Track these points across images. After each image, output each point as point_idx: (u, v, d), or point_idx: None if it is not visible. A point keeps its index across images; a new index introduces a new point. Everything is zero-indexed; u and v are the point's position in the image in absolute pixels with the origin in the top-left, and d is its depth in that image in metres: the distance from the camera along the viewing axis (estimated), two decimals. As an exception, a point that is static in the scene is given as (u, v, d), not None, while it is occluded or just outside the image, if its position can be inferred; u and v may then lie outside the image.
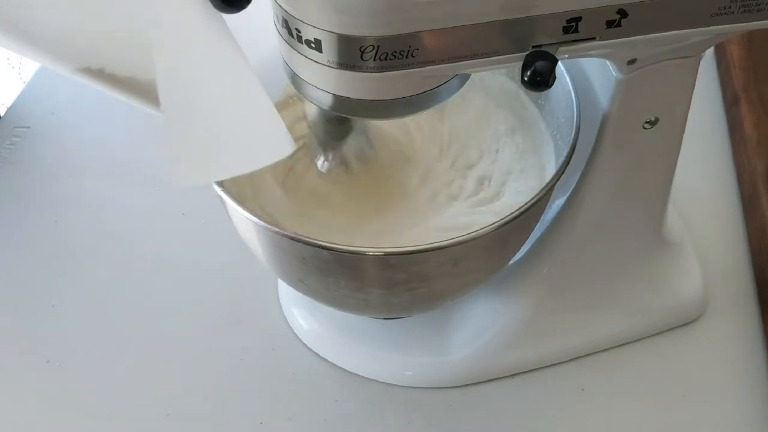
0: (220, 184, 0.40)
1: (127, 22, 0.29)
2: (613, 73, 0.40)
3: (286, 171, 0.48)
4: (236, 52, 0.32)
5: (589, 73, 0.44)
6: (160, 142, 0.29)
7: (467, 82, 0.38)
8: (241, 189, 0.46)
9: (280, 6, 0.33)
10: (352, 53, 0.32)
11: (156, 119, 0.30)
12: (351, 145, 0.46)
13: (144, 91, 0.30)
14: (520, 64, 0.34)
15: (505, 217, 0.39)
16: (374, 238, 0.45)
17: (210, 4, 0.31)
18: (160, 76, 0.29)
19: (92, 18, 0.29)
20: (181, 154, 0.30)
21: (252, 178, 0.46)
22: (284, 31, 0.34)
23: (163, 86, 0.29)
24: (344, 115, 0.38)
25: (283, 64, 0.37)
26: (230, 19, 0.32)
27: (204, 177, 0.33)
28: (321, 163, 0.47)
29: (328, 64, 0.33)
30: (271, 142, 0.32)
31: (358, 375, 0.53)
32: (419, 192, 0.48)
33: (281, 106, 0.50)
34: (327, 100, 0.36)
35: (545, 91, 0.38)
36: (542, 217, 0.46)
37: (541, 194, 0.40)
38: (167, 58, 0.30)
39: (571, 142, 0.42)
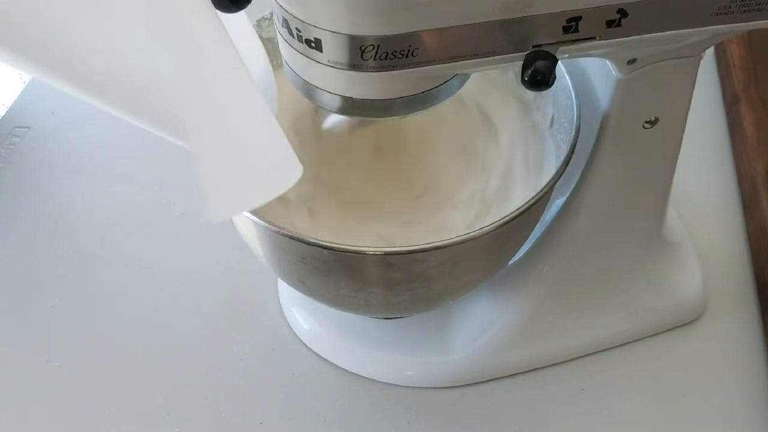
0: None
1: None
2: (613, 73, 0.40)
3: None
4: (242, 71, 0.31)
5: (589, 73, 0.44)
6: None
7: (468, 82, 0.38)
8: None
9: (281, 6, 0.33)
10: (353, 53, 0.32)
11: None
12: None
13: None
14: (520, 63, 0.34)
15: (505, 217, 0.39)
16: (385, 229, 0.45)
17: (208, 11, 0.30)
18: (176, 100, 0.29)
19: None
20: (208, 191, 0.30)
21: None
22: (284, 31, 0.34)
23: (188, 122, 0.29)
24: (345, 115, 0.38)
25: (283, 63, 0.37)
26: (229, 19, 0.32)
27: (229, 211, 0.33)
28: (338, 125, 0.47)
29: (328, 63, 0.33)
30: (281, 169, 0.32)
31: (358, 375, 0.53)
32: (420, 190, 0.48)
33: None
34: (327, 100, 0.36)
35: (545, 91, 0.38)
36: (542, 217, 0.46)
37: (541, 194, 0.40)
38: (179, 78, 0.29)
39: (571, 142, 0.42)
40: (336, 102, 0.36)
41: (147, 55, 0.29)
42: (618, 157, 0.45)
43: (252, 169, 0.31)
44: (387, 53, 0.32)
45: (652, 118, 0.43)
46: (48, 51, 0.28)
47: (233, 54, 0.31)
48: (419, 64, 0.33)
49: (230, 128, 0.31)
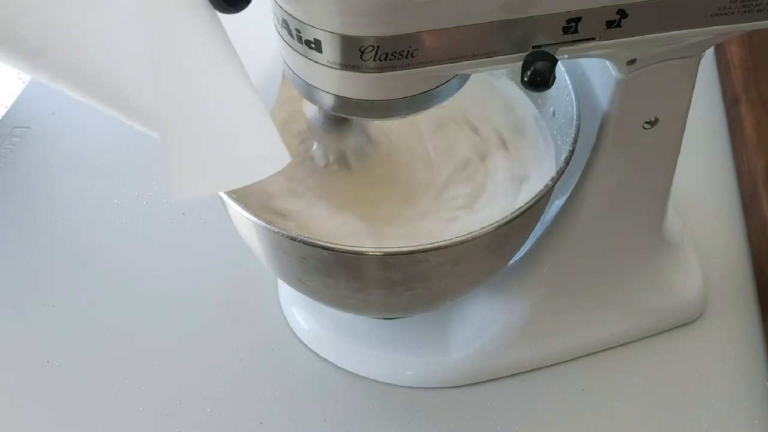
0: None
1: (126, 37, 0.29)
2: (613, 73, 0.40)
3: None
4: (233, 60, 0.32)
5: (589, 73, 0.44)
6: (157, 146, 0.29)
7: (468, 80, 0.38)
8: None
9: (280, 6, 0.33)
10: (352, 53, 0.32)
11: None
12: (350, 142, 0.47)
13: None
14: (520, 64, 0.34)
15: (505, 217, 0.39)
16: (375, 236, 0.45)
17: (205, 8, 0.31)
18: (157, 86, 0.29)
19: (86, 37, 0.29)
20: (178, 167, 0.30)
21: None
22: (284, 32, 0.34)
23: (159, 97, 0.29)
24: (344, 115, 0.38)
25: (283, 64, 0.37)
26: (230, 20, 0.32)
27: (201, 190, 0.33)
28: (319, 157, 0.47)
29: (328, 64, 0.33)
30: (267, 154, 0.32)
31: (358, 375, 0.53)
32: (420, 190, 0.48)
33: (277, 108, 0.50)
34: (327, 101, 0.36)
35: (545, 92, 0.38)
36: (542, 217, 0.46)
37: (541, 194, 0.40)
38: (162, 66, 0.29)
39: (571, 142, 0.42)
40: (335, 102, 0.36)
41: (139, 49, 0.29)
42: (618, 157, 0.45)
43: (234, 153, 0.32)
44: (387, 54, 0.32)
45: (652, 119, 0.43)
46: (42, 48, 0.28)
47: (225, 49, 0.31)
48: (419, 64, 0.33)
49: (213, 115, 0.31)
